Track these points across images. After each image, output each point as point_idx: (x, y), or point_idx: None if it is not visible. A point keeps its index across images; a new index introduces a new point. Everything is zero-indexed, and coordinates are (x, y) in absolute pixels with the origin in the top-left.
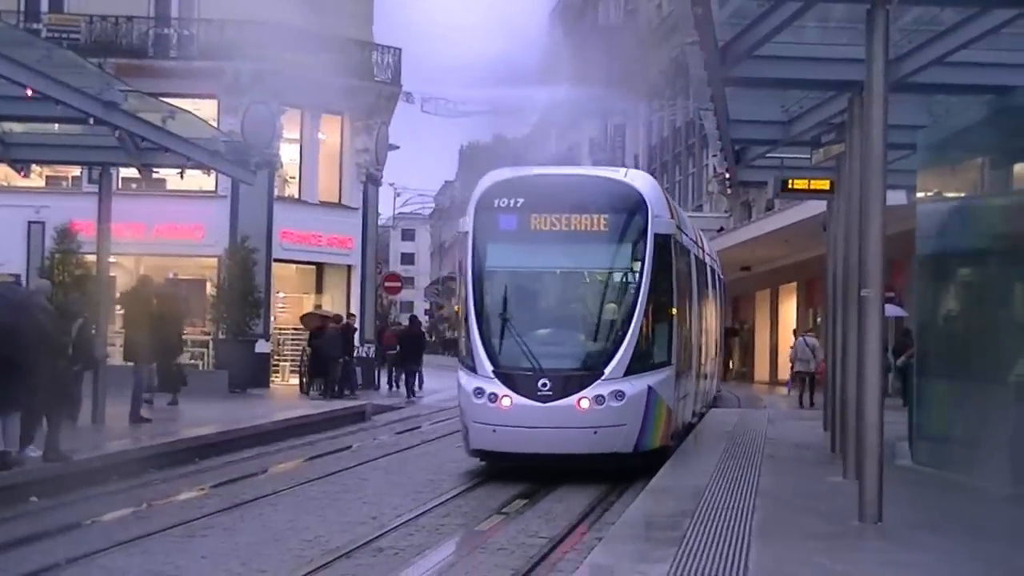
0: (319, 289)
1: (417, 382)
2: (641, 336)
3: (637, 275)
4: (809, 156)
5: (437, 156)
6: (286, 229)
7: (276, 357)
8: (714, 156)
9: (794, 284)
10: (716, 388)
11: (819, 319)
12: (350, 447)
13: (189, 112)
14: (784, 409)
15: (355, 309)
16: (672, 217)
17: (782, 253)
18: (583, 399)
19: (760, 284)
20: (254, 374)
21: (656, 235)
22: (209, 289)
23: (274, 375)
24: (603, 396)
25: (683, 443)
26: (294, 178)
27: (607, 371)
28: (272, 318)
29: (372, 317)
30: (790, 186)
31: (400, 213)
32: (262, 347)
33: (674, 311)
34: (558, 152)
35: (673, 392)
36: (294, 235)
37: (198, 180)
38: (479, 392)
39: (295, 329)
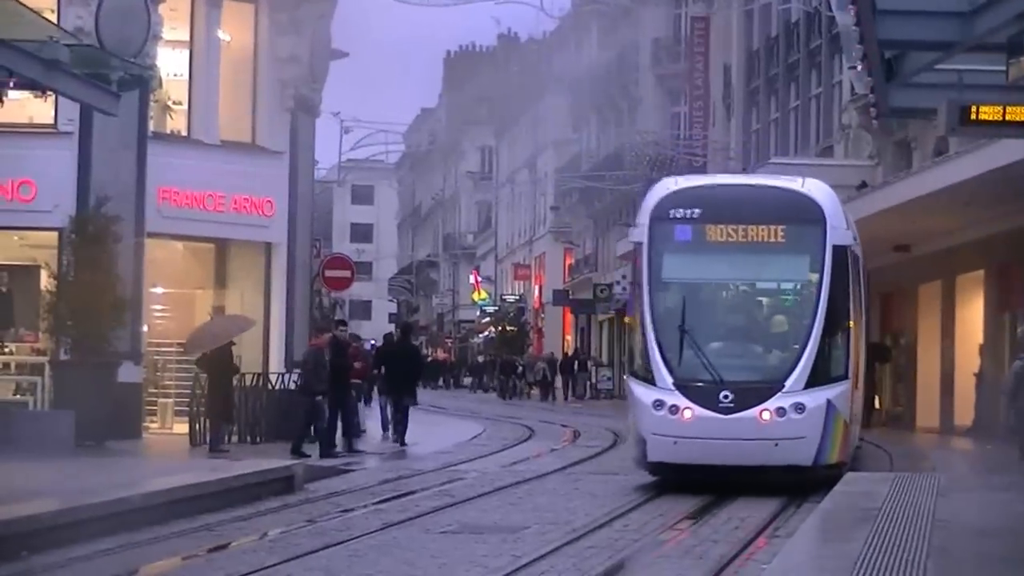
0: (220, 281)
1: (401, 424)
2: (820, 349)
3: (815, 287)
4: (1005, 68)
5: (409, 69)
6: (168, 186)
7: (153, 390)
8: (852, 68)
9: (980, 273)
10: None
11: (1020, 328)
12: (266, 535)
13: None
14: (966, 473)
15: (278, 312)
16: (848, 227)
17: (961, 223)
18: (765, 411)
19: (925, 273)
20: (117, 417)
21: (835, 247)
22: (44, 282)
23: (150, 418)
24: (784, 408)
25: (804, 526)
26: (180, 104)
27: (788, 384)
28: (145, 328)
29: (306, 326)
30: (974, 116)
31: (351, 160)
32: (130, 374)
33: (851, 324)
34: (602, 61)
35: (849, 406)
36: (181, 196)
37: (26, 108)
38: (659, 404)
39: (182, 345)
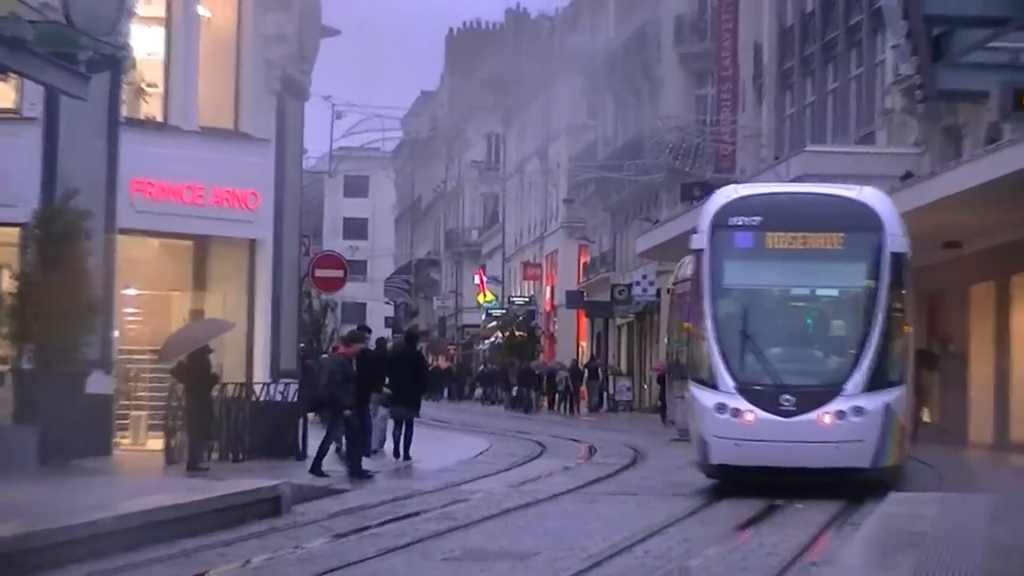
0: (200, 282)
1: (405, 437)
2: (878, 354)
3: (873, 293)
4: None
5: (407, 48)
6: (142, 177)
7: (125, 402)
8: (895, 47)
9: None
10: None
11: None
12: (250, 562)
13: None
14: (1023, 493)
15: (264, 316)
16: (904, 234)
17: (1016, 218)
18: (826, 414)
19: (977, 273)
20: (86, 432)
21: (893, 254)
22: (6, 283)
23: (121, 433)
24: (844, 411)
25: (844, 553)
26: (156, 87)
27: (847, 387)
28: (116, 334)
29: (294, 331)
30: None
31: (343, 148)
32: (99, 384)
33: (907, 329)
34: (620, 39)
35: (905, 410)
36: (156, 188)
37: None
38: (721, 407)
39: (156, 352)
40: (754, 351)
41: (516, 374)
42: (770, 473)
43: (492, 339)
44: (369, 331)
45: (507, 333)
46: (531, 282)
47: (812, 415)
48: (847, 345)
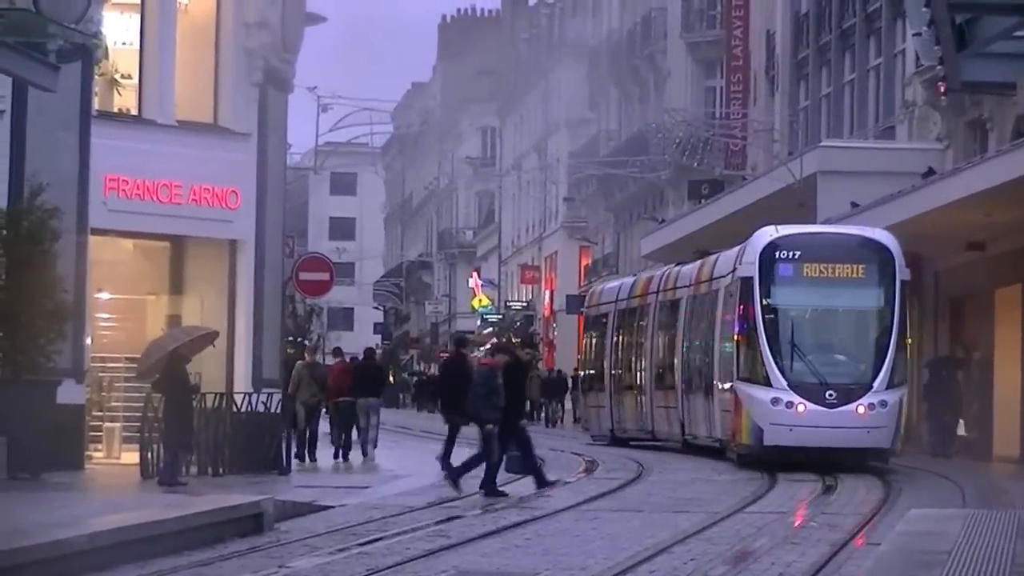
0: (177, 285)
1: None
2: (894, 359)
3: (889, 312)
4: None
5: (398, 36)
6: (115, 174)
7: (97, 412)
8: (916, 35)
9: None
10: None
11: None
12: None
13: None
14: None
15: (245, 321)
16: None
17: None
18: (860, 405)
19: (1003, 275)
20: (56, 444)
21: (902, 281)
22: None
23: (94, 446)
24: (874, 404)
25: (862, 572)
26: (130, 78)
27: (875, 385)
28: (89, 340)
29: (277, 338)
30: None
31: (329, 143)
32: (71, 394)
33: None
34: (624, 26)
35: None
36: (130, 186)
37: None
38: (776, 401)
39: (131, 360)
40: (800, 356)
41: (538, 383)
42: (813, 452)
43: (487, 347)
44: (532, 346)
45: (503, 340)
46: (529, 286)
47: (851, 406)
48: (872, 352)
